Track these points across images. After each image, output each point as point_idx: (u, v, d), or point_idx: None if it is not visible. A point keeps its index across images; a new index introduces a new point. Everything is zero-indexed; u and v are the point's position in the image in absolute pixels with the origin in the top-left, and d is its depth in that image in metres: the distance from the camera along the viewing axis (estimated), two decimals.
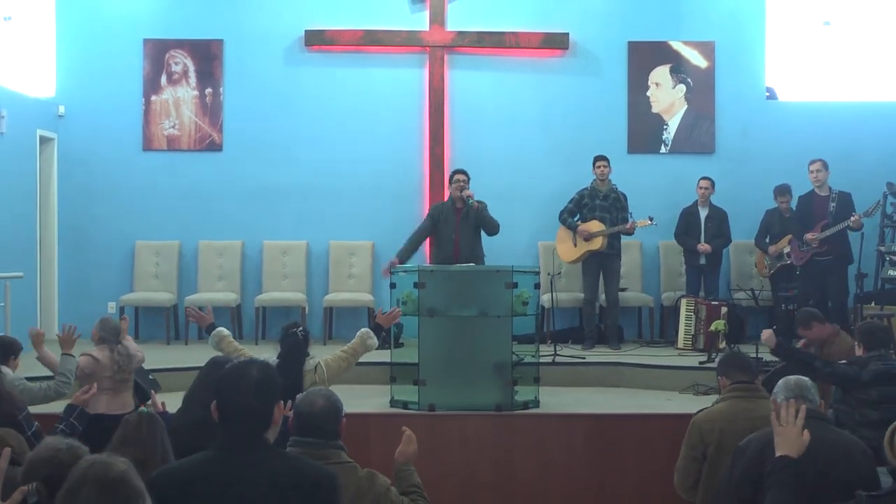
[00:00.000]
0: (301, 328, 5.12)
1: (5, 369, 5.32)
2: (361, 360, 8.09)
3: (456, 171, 8.60)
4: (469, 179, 8.46)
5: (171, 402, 4.83)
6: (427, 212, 9.57)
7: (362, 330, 5.54)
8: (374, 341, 5.53)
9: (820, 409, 3.69)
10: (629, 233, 8.74)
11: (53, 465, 2.66)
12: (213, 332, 5.49)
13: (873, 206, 8.21)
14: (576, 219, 8.87)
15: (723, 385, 4.55)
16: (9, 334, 6.79)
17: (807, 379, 3.79)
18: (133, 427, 3.44)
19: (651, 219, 8.58)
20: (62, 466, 2.62)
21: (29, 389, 5.26)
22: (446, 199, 9.45)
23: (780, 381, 3.79)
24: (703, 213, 9.16)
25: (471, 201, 8.29)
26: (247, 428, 2.67)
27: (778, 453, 3.26)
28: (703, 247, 9.01)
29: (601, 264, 8.80)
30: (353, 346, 5.42)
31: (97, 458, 2.31)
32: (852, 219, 8.12)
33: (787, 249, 8.58)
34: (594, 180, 8.90)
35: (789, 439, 3.26)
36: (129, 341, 5.98)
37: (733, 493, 3.62)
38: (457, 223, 8.37)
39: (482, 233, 8.45)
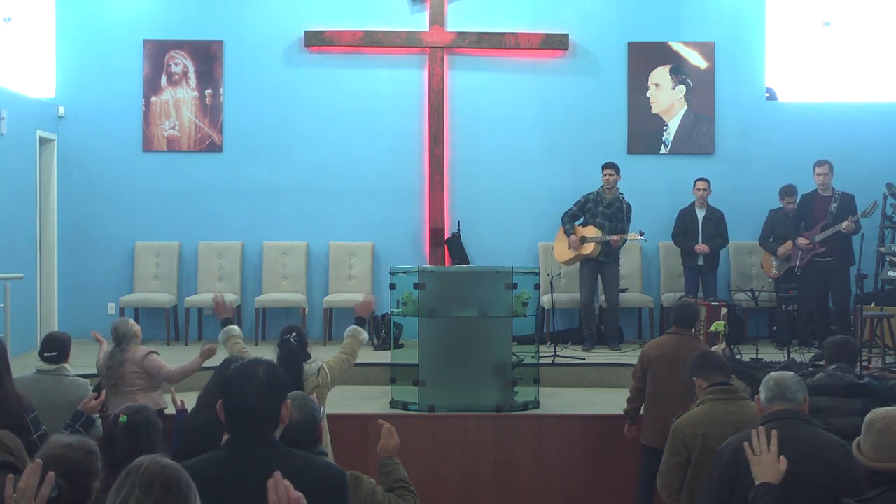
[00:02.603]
0: (294, 334, 5.13)
1: (68, 367, 5.41)
2: (362, 360, 8.14)
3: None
4: None
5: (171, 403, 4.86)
6: (429, 214, 9.64)
7: (350, 328, 5.53)
8: (365, 335, 5.55)
9: (803, 406, 3.67)
10: (614, 245, 8.67)
11: (67, 460, 2.70)
12: (226, 327, 5.51)
13: (870, 206, 8.20)
14: (578, 222, 8.86)
15: (699, 386, 4.55)
16: (9, 336, 6.82)
17: (790, 376, 3.74)
18: (110, 435, 3.45)
19: (641, 233, 8.57)
20: (75, 462, 2.69)
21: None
22: (447, 204, 9.49)
23: (765, 379, 3.75)
24: (701, 214, 9.15)
25: None
26: (255, 428, 2.68)
27: (757, 482, 3.23)
28: (701, 247, 9.00)
29: (598, 269, 8.80)
30: (349, 346, 5.45)
31: (151, 457, 2.31)
32: (844, 224, 8.11)
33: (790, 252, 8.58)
34: (602, 186, 8.89)
35: (766, 467, 3.24)
36: (139, 356, 5.98)
37: (713, 497, 3.62)
38: None
39: None
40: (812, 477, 3.40)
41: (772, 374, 3.79)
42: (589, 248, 8.66)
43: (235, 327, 5.52)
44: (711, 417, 4.32)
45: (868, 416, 3.21)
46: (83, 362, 6.77)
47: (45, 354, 5.42)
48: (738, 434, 3.65)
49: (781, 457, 3.25)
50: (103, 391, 4.94)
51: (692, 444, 4.30)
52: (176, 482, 2.25)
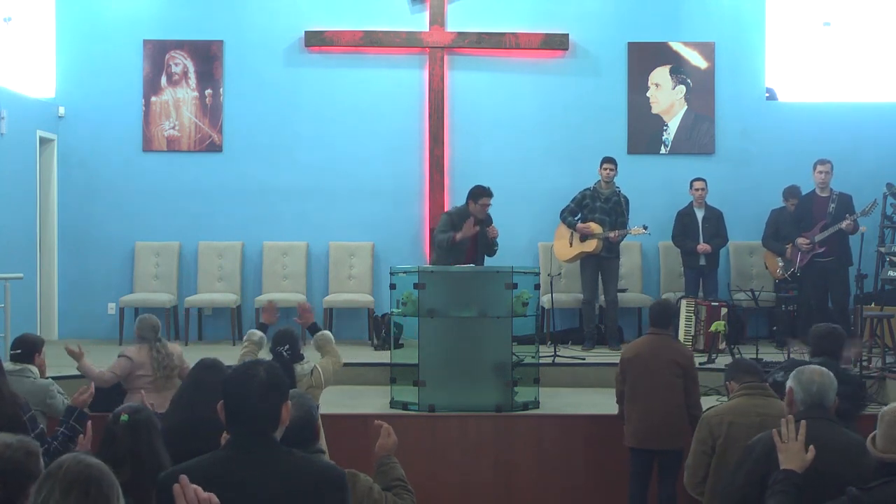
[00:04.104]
0: (287, 347, 5.14)
1: (33, 369, 5.39)
2: (362, 360, 8.17)
3: (483, 193, 8.06)
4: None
5: None
6: (429, 214, 9.61)
7: (315, 339, 5.76)
8: (327, 333, 5.82)
9: (832, 406, 3.67)
10: (613, 241, 8.66)
11: (4, 459, 2.64)
12: (320, 333, 5.73)
13: (869, 205, 8.20)
14: (576, 218, 8.86)
15: (731, 389, 4.60)
16: (9, 336, 6.82)
17: (829, 380, 3.67)
18: (111, 434, 3.44)
19: (645, 227, 8.56)
20: (12, 461, 2.62)
21: (54, 406, 5.37)
22: (447, 203, 9.47)
23: (804, 376, 3.66)
24: (700, 214, 9.15)
25: (496, 247, 8.13)
26: (256, 428, 2.68)
27: (782, 468, 3.29)
28: (703, 247, 8.99)
29: (599, 266, 8.79)
30: (326, 351, 5.70)
31: (73, 455, 2.30)
32: (845, 223, 8.10)
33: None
34: (598, 181, 8.88)
35: (792, 454, 3.30)
36: (180, 350, 6.28)
37: (738, 490, 3.61)
38: (474, 236, 8.17)
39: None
40: (837, 476, 3.41)
41: (811, 371, 3.69)
42: (592, 245, 8.66)
43: (328, 333, 5.79)
44: (738, 409, 4.38)
45: (882, 409, 3.24)
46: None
47: (11, 353, 5.47)
48: (767, 431, 3.63)
49: (810, 446, 3.29)
50: (91, 384, 4.87)
51: (717, 432, 4.36)
52: (96, 483, 2.23)
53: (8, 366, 5.36)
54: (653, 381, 5.71)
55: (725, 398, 5.14)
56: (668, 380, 5.68)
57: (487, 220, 8.15)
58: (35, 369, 5.43)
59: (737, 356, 7.04)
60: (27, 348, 5.46)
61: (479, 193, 8.06)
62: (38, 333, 8.51)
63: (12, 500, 2.60)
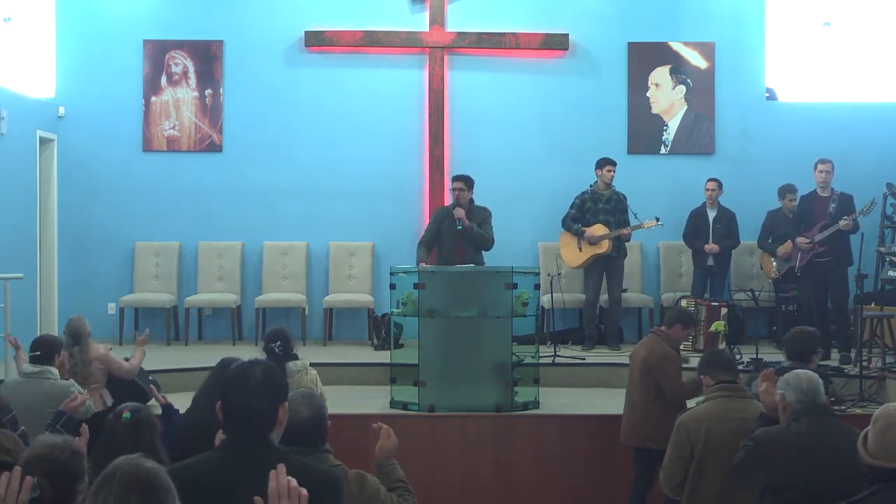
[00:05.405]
0: (279, 343, 5.14)
1: (53, 370, 5.40)
2: (362, 360, 8.17)
3: (454, 178, 8.58)
4: (471, 185, 8.44)
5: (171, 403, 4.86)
6: (428, 214, 9.60)
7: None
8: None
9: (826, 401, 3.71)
10: (625, 237, 8.72)
11: (51, 461, 2.68)
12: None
13: (868, 205, 8.19)
14: (579, 224, 8.86)
15: (706, 384, 4.59)
16: (9, 335, 6.82)
17: (816, 378, 3.73)
18: (112, 432, 3.44)
19: (657, 219, 8.60)
20: (59, 462, 2.66)
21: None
22: (447, 202, 9.46)
23: (791, 379, 3.73)
24: (712, 214, 9.18)
25: (459, 226, 8.20)
26: (252, 428, 2.67)
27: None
28: (711, 246, 9.01)
29: (605, 266, 8.81)
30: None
31: (129, 458, 2.31)
32: (842, 222, 8.10)
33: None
34: (594, 183, 8.89)
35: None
36: (103, 352, 6.09)
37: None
38: (459, 234, 8.23)
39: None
40: (838, 476, 3.42)
41: (797, 374, 3.76)
42: (604, 247, 8.69)
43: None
44: (715, 413, 4.35)
45: (876, 412, 3.21)
46: None
47: (31, 354, 5.45)
48: (770, 427, 3.69)
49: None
50: (86, 391, 4.94)
51: (695, 439, 4.33)
52: (159, 484, 2.22)
53: (28, 367, 5.37)
54: (632, 379, 5.85)
55: None
56: (638, 379, 5.76)
57: (482, 212, 8.38)
58: (55, 371, 5.40)
59: (714, 348, 7.04)
60: (47, 350, 5.43)
61: (451, 179, 8.39)
62: (38, 334, 8.54)
63: (62, 500, 2.64)
